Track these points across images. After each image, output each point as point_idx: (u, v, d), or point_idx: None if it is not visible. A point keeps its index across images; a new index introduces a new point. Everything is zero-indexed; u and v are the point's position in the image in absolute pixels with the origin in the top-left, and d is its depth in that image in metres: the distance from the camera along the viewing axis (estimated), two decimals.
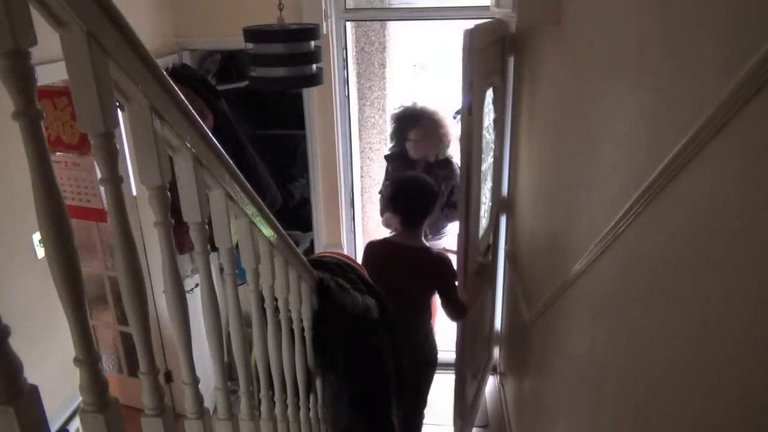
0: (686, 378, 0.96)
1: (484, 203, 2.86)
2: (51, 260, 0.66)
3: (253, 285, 1.34)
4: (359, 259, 3.05)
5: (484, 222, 2.90)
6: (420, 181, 2.42)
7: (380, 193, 3.43)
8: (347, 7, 3.03)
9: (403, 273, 2.35)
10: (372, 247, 2.49)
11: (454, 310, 2.41)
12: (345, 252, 3.36)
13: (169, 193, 0.89)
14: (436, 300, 2.52)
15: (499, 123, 2.90)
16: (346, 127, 3.28)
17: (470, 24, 2.20)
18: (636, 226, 1.19)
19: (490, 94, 2.63)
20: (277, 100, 3.94)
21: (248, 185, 1.18)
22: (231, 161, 1.09)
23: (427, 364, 2.53)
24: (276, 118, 4.00)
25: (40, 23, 0.63)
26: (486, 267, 2.84)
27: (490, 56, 2.57)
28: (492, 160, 2.93)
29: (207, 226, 1.04)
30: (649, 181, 1.06)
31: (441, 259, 2.39)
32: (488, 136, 2.73)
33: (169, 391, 3.12)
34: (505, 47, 2.76)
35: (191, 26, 3.00)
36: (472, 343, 2.91)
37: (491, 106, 2.69)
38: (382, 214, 3.29)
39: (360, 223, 3.70)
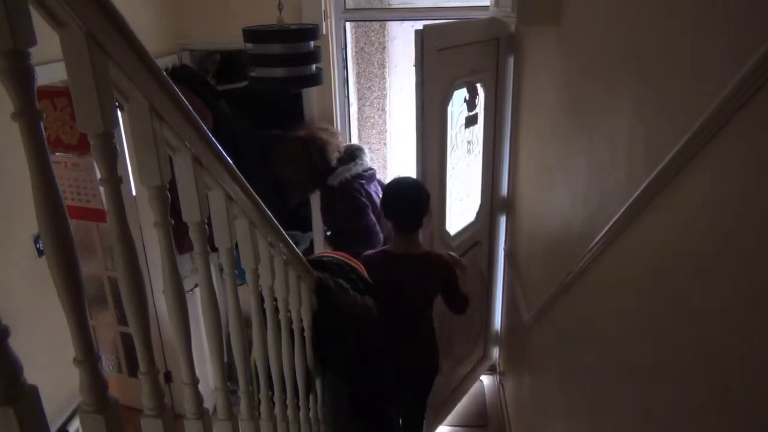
0: (686, 378, 0.96)
1: (462, 200, 2.94)
2: (51, 260, 0.66)
3: (253, 285, 1.34)
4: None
5: (465, 218, 2.97)
6: (413, 184, 2.35)
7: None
8: (347, 7, 3.03)
9: (408, 283, 2.30)
10: (370, 261, 2.35)
11: (459, 304, 2.39)
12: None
13: (168, 193, 0.89)
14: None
15: (492, 122, 2.91)
16: (345, 127, 3.28)
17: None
18: (636, 225, 1.19)
19: (463, 93, 2.65)
20: (277, 100, 3.93)
21: (248, 185, 1.18)
22: (230, 161, 1.09)
23: (432, 370, 2.52)
24: (276, 118, 4.00)
25: (40, 23, 0.63)
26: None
27: (466, 56, 2.58)
28: (481, 157, 2.95)
29: (206, 227, 1.04)
30: (649, 180, 1.07)
31: (442, 260, 2.36)
32: (463, 134, 2.78)
33: (169, 391, 3.12)
34: (500, 46, 2.76)
35: (191, 26, 3.00)
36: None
37: (464, 105, 2.71)
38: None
39: None
